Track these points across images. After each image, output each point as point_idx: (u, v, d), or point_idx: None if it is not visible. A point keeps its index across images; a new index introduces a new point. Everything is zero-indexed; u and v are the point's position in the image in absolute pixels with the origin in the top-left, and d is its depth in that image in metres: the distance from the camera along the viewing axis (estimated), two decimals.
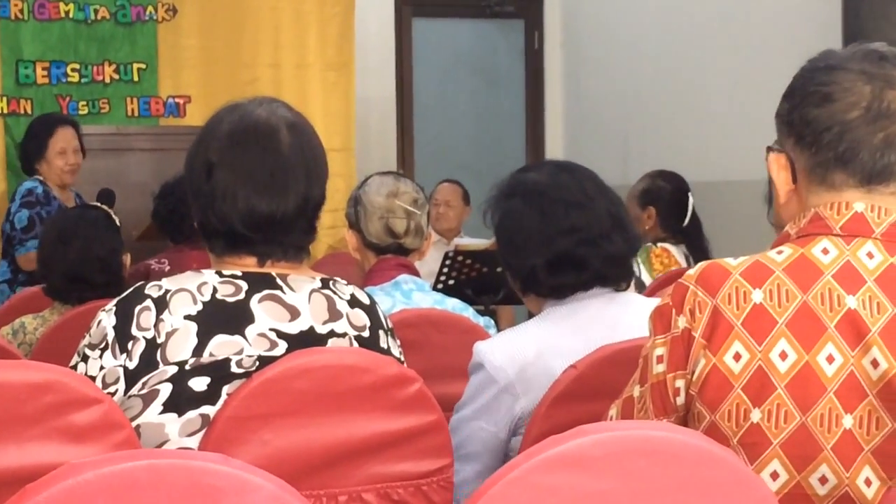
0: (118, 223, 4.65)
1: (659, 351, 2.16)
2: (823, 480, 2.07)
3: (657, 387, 2.16)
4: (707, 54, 8.64)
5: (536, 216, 2.92)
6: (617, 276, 2.96)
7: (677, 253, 5.96)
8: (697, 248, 6.00)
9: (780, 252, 2.15)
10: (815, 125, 2.15)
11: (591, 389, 2.62)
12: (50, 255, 4.52)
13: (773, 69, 7.53)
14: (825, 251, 2.12)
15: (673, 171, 6.19)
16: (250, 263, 2.56)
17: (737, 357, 2.07)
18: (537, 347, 2.84)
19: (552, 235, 2.89)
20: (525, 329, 2.93)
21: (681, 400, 2.14)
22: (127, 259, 4.64)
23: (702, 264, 2.17)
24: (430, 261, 6.70)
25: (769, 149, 2.26)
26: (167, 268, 5.69)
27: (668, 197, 5.99)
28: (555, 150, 10.21)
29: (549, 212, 2.91)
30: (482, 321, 3.93)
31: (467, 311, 3.95)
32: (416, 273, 4.00)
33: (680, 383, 2.13)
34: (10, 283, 6.56)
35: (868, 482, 2.08)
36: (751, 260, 2.14)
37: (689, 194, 6.07)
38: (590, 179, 3.01)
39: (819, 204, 2.17)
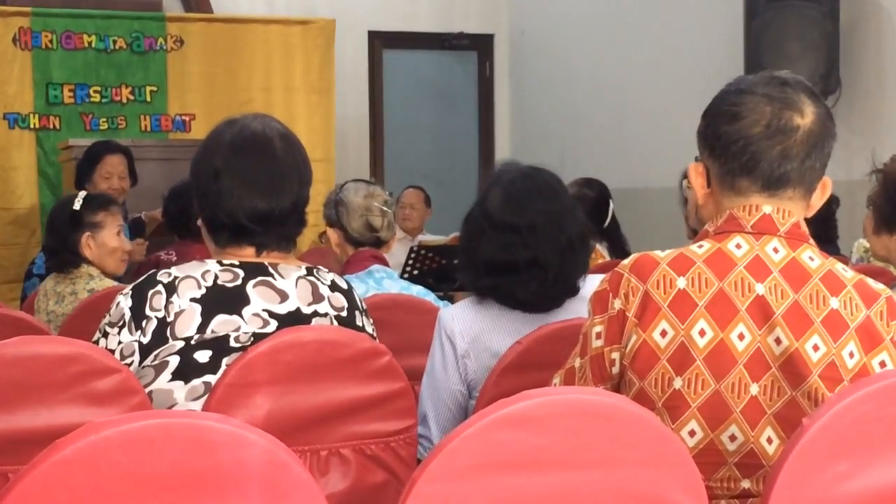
0: (76, 206, 4.61)
1: (597, 328, 2.16)
2: (733, 438, 2.08)
3: (596, 359, 2.16)
4: (630, 81, 8.67)
5: (476, 241, 2.85)
6: (536, 308, 2.84)
7: (601, 248, 5.96)
8: (617, 245, 6.00)
9: (700, 246, 2.16)
10: (724, 139, 2.16)
11: (534, 361, 2.62)
12: None
13: (685, 93, 7.58)
14: (738, 246, 2.14)
15: (597, 180, 6.17)
16: (249, 253, 2.55)
17: (663, 334, 2.08)
18: (489, 320, 2.84)
19: (480, 266, 2.83)
20: (481, 303, 2.90)
21: (616, 369, 2.14)
22: (90, 237, 4.58)
23: (634, 255, 2.17)
24: (398, 254, 6.70)
25: (697, 160, 2.28)
26: (174, 258, 5.65)
27: (591, 202, 5.95)
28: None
29: (485, 243, 2.82)
30: (441, 304, 3.93)
31: (429, 296, 3.96)
32: (386, 263, 4.00)
33: (615, 355, 2.14)
34: (41, 278, 6.47)
35: (769, 440, 2.09)
36: (676, 252, 2.15)
37: (610, 200, 6.07)
38: (541, 215, 2.81)
39: (730, 206, 2.18)
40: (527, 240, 2.80)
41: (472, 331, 2.83)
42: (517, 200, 2.85)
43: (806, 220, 2.21)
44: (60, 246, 4.48)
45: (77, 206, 4.56)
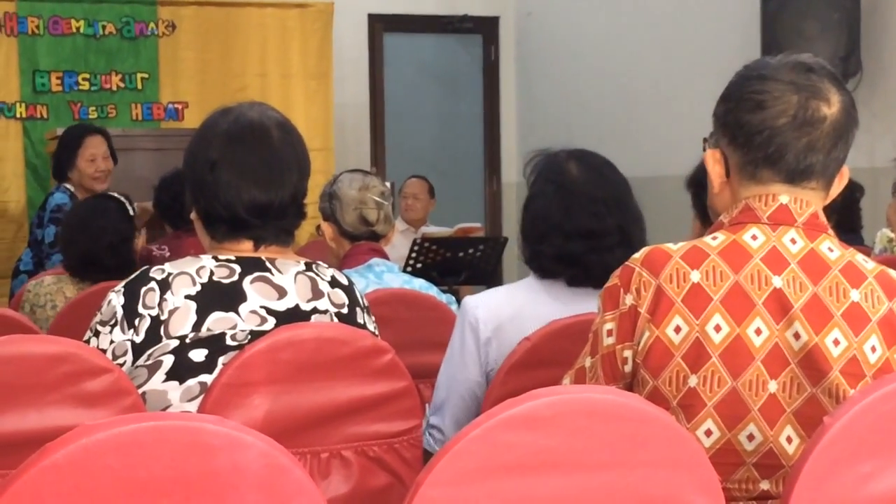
0: (132, 212, 4.60)
1: (608, 325, 2.16)
2: (751, 438, 2.08)
3: (607, 357, 2.16)
4: (641, 65, 8.66)
5: (561, 212, 2.85)
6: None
7: None
8: None
9: (714, 238, 2.15)
10: (747, 128, 2.14)
11: (543, 359, 2.62)
12: (68, 239, 4.53)
13: (698, 79, 7.57)
14: (754, 237, 2.13)
15: None
16: (246, 248, 2.55)
17: (677, 330, 2.08)
18: (515, 309, 2.84)
19: (569, 234, 2.84)
20: (510, 290, 2.93)
21: (628, 368, 2.14)
22: (139, 242, 4.62)
23: (646, 249, 2.17)
24: (400, 247, 6.71)
25: (706, 140, 2.27)
26: (167, 253, 5.66)
27: None
28: (509, 149, 10.22)
29: (573, 212, 2.84)
30: (444, 298, 3.93)
31: (431, 290, 3.96)
32: (385, 257, 4.00)
33: (627, 353, 2.13)
34: (30, 273, 6.46)
35: (789, 440, 2.08)
36: (689, 245, 2.14)
37: None
38: (619, 188, 2.93)
39: (749, 196, 2.17)
40: (612, 210, 2.86)
41: (497, 318, 2.84)
42: (598, 171, 2.93)
43: (828, 208, 2.21)
44: (123, 260, 4.40)
45: (132, 211, 4.54)
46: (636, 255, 2.17)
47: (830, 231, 2.17)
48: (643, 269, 2.13)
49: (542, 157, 2.99)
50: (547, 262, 2.88)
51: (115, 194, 4.76)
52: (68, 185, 6.39)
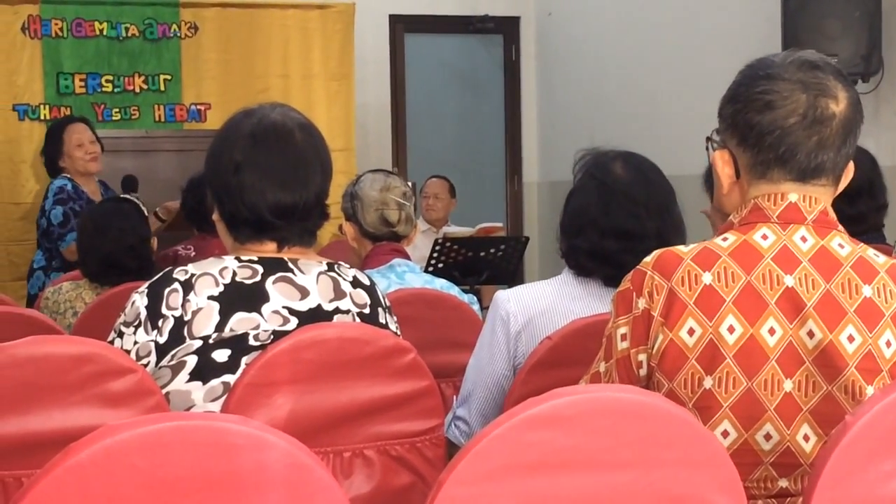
0: (146, 212, 4.64)
1: (622, 330, 2.16)
2: (768, 437, 2.08)
3: (622, 361, 2.16)
4: (661, 64, 8.64)
5: (601, 209, 2.86)
6: None
7: None
8: None
9: (725, 239, 2.15)
10: (757, 129, 2.14)
11: (565, 358, 2.62)
12: (87, 244, 4.53)
13: (719, 76, 7.53)
14: (765, 237, 2.13)
15: None
16: (270, 249, 2.56)
17: (690, 332, 2.07)
18: (547, 304, 2.84)
19: (604, 232, 2.84)
20: (544, 285, 2.92)
21: (643, 371, 2.14)
22: (154, 243, 4.64)
23: (657, 252, 2.16)
24: (422, 247, 6.71)
25: (709, 139, 2.26)
26: (193, 253, 5.67)
27: None
28: (530, 148, 10.20)
29: (611, 210, 2.85)
30: (466, 298, 3.93)
31: (453, 290, 3.96)
32: (407, 257, 4.00)
33: (642, 357, 2.13)
34: (44, 269, 6.52)
35: (806, 438, 2.08)
36: (700, 247, 2.14)
37: None
38: (663, 194, 2.92)
39: (758, 195, 2.17)
40: (652, 214, 2.86)
41: (528, 312, 2.84)
42: (643, 174, 2.93)
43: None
44: (143, 262, 4.44)
45: (146, 211, 4.59)
46: (647, 259, 2.16)
47: (840, 227, 2.17)
48: (655, 273, 2.13)
49: (591, 154, 2.99)
50: (582, 257, 2.88)
51: (128, 196, 4.79)
52: (65, 175, 6.59)
